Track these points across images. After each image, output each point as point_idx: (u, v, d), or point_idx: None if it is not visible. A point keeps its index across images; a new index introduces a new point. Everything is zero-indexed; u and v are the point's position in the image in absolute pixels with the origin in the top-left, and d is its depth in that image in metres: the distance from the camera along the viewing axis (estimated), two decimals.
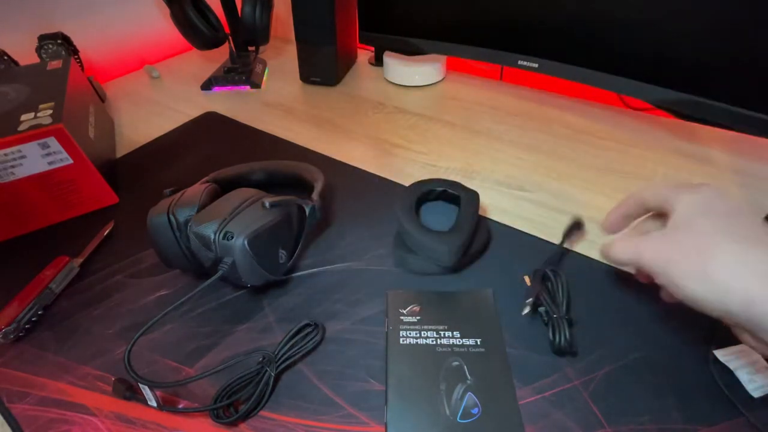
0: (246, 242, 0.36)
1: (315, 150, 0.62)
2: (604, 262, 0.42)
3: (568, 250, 0.45)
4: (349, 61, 0.85)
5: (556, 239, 0.46)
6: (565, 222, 0.47)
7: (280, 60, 0.91)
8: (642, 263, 0.31)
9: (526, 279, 0.41)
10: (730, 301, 0.26)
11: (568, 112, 0.69)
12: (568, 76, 0.60)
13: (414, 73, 0.77)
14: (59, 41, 0.70)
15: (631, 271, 0.39)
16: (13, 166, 0.45)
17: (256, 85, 0.80)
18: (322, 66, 0.77)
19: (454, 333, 0.37)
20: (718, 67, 0.48)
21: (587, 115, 0.68)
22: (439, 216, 0.47)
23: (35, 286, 0.41)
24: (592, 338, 0.37)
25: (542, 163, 0.58)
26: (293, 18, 0.73)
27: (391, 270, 0.44)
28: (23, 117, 0.47)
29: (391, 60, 0.78)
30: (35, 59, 0.69)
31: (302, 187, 0.50)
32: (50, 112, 0.47)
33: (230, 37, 0.81)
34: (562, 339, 0.35)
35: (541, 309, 0.38)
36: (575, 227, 0.46)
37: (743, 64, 0.46)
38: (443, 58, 0.78)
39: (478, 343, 0.37)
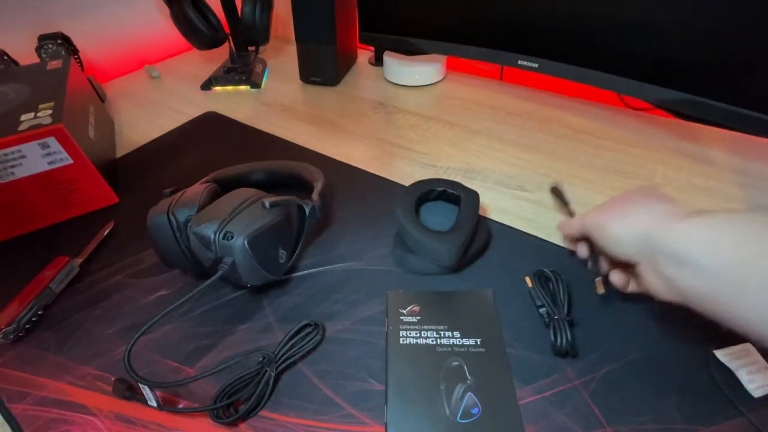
0: (246, 242, 0.36)
1: (315, 150, 0.62)
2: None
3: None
4: (349, 61, 0.85)
5: (556, 239, 0.46)
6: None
7: (280, 60, 0.91)
8: (585, 227, 0.37)
9: (528, 280, 0.41)
10: (637, 234, 0.32)
11: (568, 112, 0.69)
12: (568, 76, 0.60)
13: (414, 73, 0.77)
14: (59, 41, 0.70)
15: (573, 248, 0.42)
16: (13, 166, 0.45)
17: (256, 85, 0.80)
18: (322, 66, 0.77)
19: (454, 333, 0.37)
20: (718, 67, 0.48)
21: (587, 115, 0.68)
22: (439, 216, 0.47)
23: (35, 286, 0.41)
24: (592, 338, 0.37)
25: (542, 163, 0.58)
26: (293, 18, 0.73)
27: (391, 270, 0.44)
28: (23, 117, 0.47)
29: (391, 60, 0.78)
30: (35, 59, 0.69)
31: (302, 187, 0.50)
32: (50, 112, 0.47)
33: (230, 37, 0.81)
34: (564, 340, 0.35)
35: (542, 310, 0.38)
36: (557, 193, 0.48)
37: (743, 64, 0.46)
38: (443, 58, 0.78)
39: (478, 343, 0.37)
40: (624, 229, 0.33)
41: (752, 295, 0.25)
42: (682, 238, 0.29)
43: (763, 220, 0.28)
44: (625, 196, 0.36)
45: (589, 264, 0.40)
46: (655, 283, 0.32)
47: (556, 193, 0.48)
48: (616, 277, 0.37)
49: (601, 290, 0.38)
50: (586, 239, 0.39)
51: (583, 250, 0.40)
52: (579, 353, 0.36)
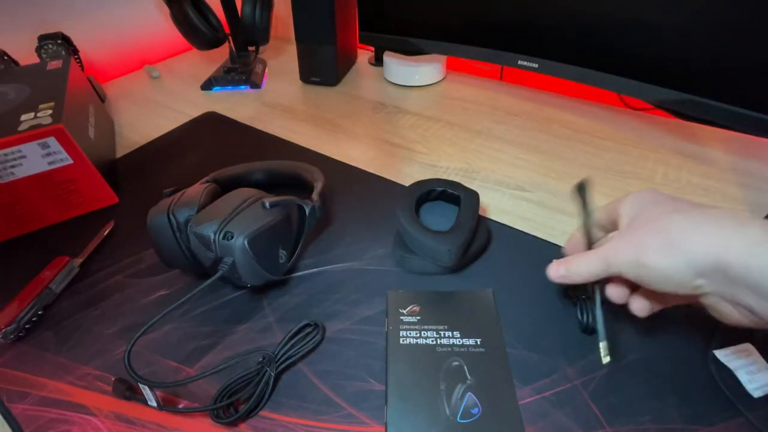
0: (246, 242, 0.36)
1: (315, 150, 0.62)
2: None
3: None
4: (349, 61, 0.85)
5: (556, 239, 0.46)
6: (565, 221, 0.47)
7: (280, 60, 0.91)
8: (612, 268, 0.30)
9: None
10: (700, 263, 0.26)
11: (568, 112, 0.69)
12: (568, 76, 0.60)
13: (414, 73, 0.77)
14: (59, 41, 0.70)
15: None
16: (13, 166, 0.45)
17: (256, 85, 0.80)
18: (322, 66, 0.77)
19: (454, 333, 0.37)
20: (718, 67, 0.48)
21: (587, 115, 0.68)
22: (439, 216, 0.47)
23: (35, 286, 0.41)
24: (592, 338, 0.37)
25: (542, 163, 0.58)
26: (293, 18, 0.73)
27: (391, 270, 0.44)
28: (23, 117, 0.47)
29: (391, 60, 0.78)
30: (35, 59, 0.69)
31: (302, 187, 0.50)
32: (50, 112, 0.47)
33: (230, 37, 0.81)
34: (590, 319, 0.36)
35: (570, 291, 0.40)
36: (582, 192, 0.39)
37: (743, 64, 0.46)
38: (443, 58, 0.78)
39: (478, 343, 0.37)
40: (675, 261, 0.27)
41: None
42: None
43: None
44: (647, 215, 0.30)
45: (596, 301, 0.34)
46: (728, 311, 0.27)
47: (581, 192, 0.39)
48: (614, 292, 0.33)
49: (606, 359, 0.33)
50: (609, 279, 0.32)
51: (618, 294, 0.33)
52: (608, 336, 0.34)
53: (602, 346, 0.33)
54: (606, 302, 0.34)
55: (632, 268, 0.29)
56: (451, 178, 0.51)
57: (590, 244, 0.35)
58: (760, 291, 0.24)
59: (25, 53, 0.69)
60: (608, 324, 0.34)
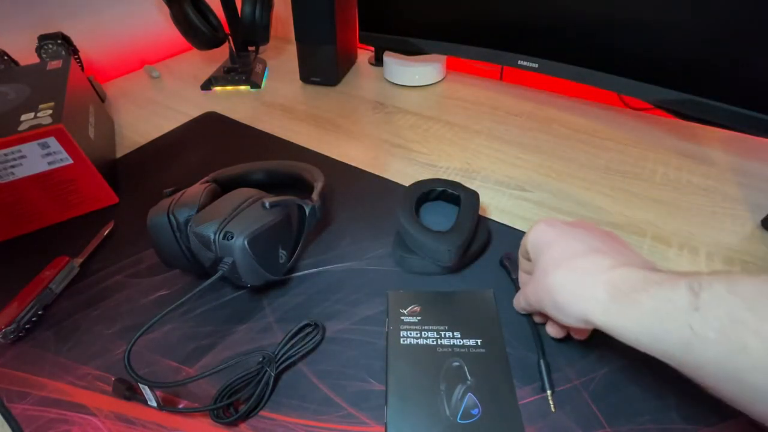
0: (246, 242, 0.36)
1: (315, 150, 0.62)
2: None
3: None
4: (349, 61, 0.85)
5: None
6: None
7: (280, 60, 0.91)
8: (532, 306, 0.35)
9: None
10: (579, 318, 0.29)
11: (568, 112, 0.69)
12: (568, 76, 0.60)
13: (414, 73, 0.77)
14: (59, 41, 0.70)
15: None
16: (13, 166, 0.45)
17: (256, 85, 0.80)
18: (322, 66, 0.77)
19: (455, 333, 0.37)
20: (718, 67, 0.48)
21: (587, 115, 0.68)
22: (439, 216, 0.47)
23: (35, 286, 0.41)
24: (592, 338, 0.37)
25: (542, 163, 0.58)
26: (293, 18, 0.73)
27: (391, 270, 0.44)
28: (23, 117, 0.47)
29: (391, 60, 0.78)
30: (35, 59, 0.69)
31: (302, 187, 0.50)
32: (50, 112, 0.47)
33: (230, 37, 0.81)
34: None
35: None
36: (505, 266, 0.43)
37: (743, 64, 0.46)
38: (443, 58, 0.78)
39: (479, 343, 0.37)
40: (564, 315, 0.30)
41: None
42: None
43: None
44: (543, 265, 0.32)
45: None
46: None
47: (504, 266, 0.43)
48: (550, 330, 0.36)
49: (553, 408, 0.33)
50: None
51: (553, 331, 0.37)
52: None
53: (549, 395, 0.34)
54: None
55: (545, 309, 0.32)
56: (451, 178, 0.51)
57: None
58: (628, 341, 0.26)
59: (25, 53, 0.69)
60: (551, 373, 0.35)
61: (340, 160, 0.60)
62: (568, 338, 0.37)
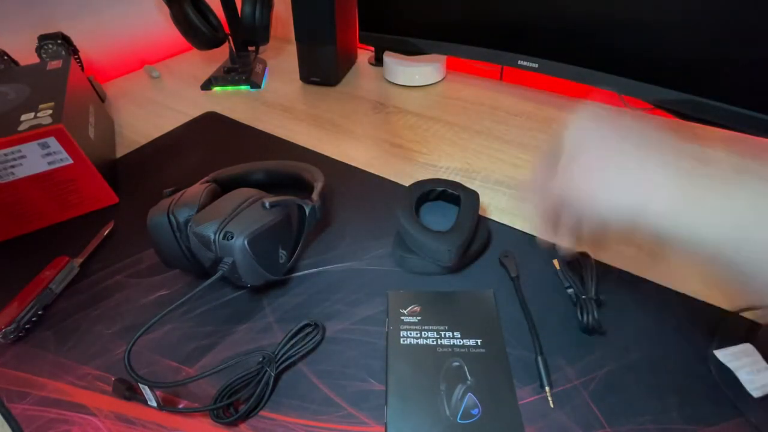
0: (246, 242, 0.36)
1: (315, 150, 0.62)
2: (604, 263, 0.43)
3: None
4: (349, 61, 0.85)
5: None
6: None
7: (280, 60, 0.91)
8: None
9: (555, 263, 0.42)
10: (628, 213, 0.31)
11: (568, 112, 0.69)
12: (568, 76, 0.60)
13: (414, 73, 0.77)
14: (59, 41, 0.70)
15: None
16: (13, 166, 0.45)
17: (256, 85, 0.80)
18: (322, 66, 0.77)
19: (455, 333, 0.37)
20: (718, 67, 0.48)
21: None
22: (439, 216, 0.47)
23: (35, 286, 0.41)
24: (592, 338, 0.37)
25: None
26: (293, 18, 0.73)
27: (391, 270, 0.44)
28: (23, 117, 0.47)
29: (391, 60, 0.78)
30: (35, 59, 0.69)
31: (302, 187, 0.50)
32: (50, 112, 0.47)
33: (230, 37, 0.81)
34: (590, 318, 0.36)
35: (570, 290, 0.40)
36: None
37: (743, 64, 0.46)
38: (443, 58, 0.78)
39: (479, 343, 0.37)
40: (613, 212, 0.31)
41: None
42: None
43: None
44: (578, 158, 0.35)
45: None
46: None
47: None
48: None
49: (551, 404, 0.33)
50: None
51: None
52: (607, 332, 0.37)
53: (547, 391, 0.34)
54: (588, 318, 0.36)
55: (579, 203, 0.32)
56: (450, 178, 0.51)
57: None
58: None
59: (25, 53, 0.69)
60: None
61: (340, 160, 0.60)
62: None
